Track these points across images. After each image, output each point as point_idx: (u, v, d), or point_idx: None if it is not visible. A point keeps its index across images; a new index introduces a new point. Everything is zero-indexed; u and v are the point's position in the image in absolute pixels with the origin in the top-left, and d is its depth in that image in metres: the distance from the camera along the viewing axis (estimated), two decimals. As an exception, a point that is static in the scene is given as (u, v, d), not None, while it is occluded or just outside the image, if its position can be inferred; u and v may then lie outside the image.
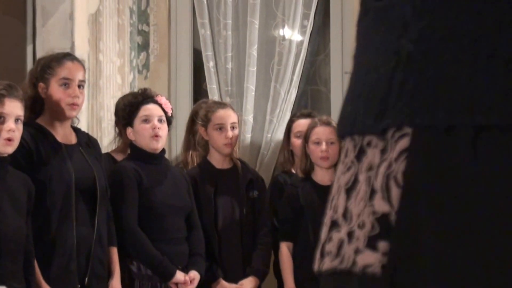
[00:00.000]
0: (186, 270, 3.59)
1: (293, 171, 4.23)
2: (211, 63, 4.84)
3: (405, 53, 0.71)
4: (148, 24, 4.92)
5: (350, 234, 0.75)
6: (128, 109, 3.64)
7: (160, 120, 3.61)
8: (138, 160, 3.61)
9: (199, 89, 5.00)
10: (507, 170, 0.68)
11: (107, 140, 4.28)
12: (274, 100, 4.80)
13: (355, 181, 0.76)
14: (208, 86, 4.86)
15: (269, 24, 4.88)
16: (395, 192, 0.71)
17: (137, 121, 3.61)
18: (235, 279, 3.82)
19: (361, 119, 0.75)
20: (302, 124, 4.15)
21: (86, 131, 3.70)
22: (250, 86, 4.78)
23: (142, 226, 3.54)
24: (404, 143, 0.71)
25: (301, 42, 4.82)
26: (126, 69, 4.70)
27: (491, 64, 0.68)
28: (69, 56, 3.43)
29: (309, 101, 4.92)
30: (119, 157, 3.85)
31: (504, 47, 0.69)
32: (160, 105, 3.65)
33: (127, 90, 4.55)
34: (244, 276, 3.84)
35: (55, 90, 3.31)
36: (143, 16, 4.90)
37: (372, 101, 0.74)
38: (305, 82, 4.90)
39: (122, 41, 4.62)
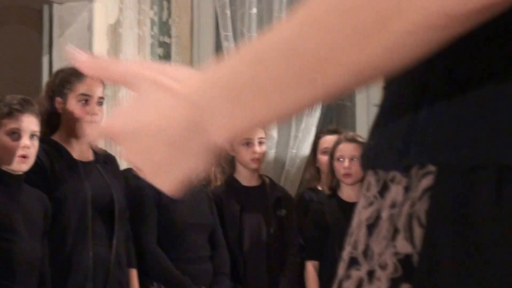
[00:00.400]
0: (210, 290, 3.55)
1: (319, 188, 4.21)
2: (235, 76, 4.78)
3: (431, 88, 0.71)
4: (169, 36, 4.89)
5: (370, 273, 0.74)
6: None
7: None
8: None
9: (222, 102, 4.94)
10: None
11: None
12: (299, 115, 4.73)
13: (377, 217, 0.75)
14: (231, 99, 4.80)
15: (294, 36, 4.81)
16: (418, 232, 0.70)
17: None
18: (260, 301, 3.77)
19: (385, 154, 0.75)
20: (328, 140, 4.14)
21: (103, 147, 3.62)
22: (275, 100, 4.71)
23: (162, 245, 3.50)
24: (427, 181, 0.70)
25: (327, 56, 4.75)
26: (147, 82, 4.65)
27: None
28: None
29: (334, 116, 4.92)
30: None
31: None
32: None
33: (147, 104, 4.49)
34: (270, 298, 3.79)
35: (73, 106, 3.24)
36: (164, 27, 4.87)
37: (397, 136, 0.73)
38: (330, 97, 4.85)
39: (142, 53, 4.61)
